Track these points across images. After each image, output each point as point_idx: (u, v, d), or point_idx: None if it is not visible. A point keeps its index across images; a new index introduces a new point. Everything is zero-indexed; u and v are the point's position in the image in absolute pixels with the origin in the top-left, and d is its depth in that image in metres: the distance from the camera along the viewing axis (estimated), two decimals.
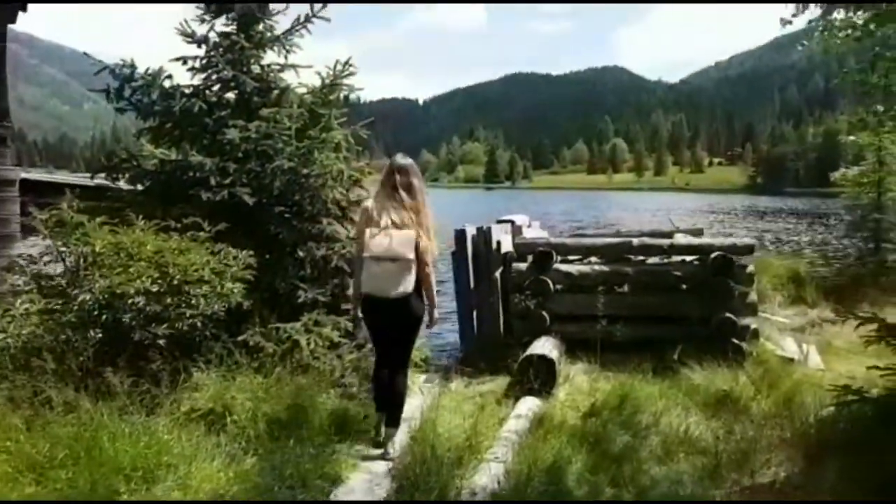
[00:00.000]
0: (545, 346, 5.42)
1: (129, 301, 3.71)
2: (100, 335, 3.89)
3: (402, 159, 3.73)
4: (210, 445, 3.60)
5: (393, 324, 3.69)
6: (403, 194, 3.57)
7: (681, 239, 6.67)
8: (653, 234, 9.77)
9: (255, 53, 4.82)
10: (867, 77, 3.93)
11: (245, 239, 4.41)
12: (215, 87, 4.91)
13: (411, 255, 3.49)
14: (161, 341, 3.86)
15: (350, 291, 4.39)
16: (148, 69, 4.76)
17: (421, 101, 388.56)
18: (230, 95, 4.91)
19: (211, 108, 4.71)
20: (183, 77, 4.93)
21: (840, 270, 10.00)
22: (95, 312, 3.75)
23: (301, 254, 4.70)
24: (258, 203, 4.45)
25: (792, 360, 5.82)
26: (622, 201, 66.63)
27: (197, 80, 4.93)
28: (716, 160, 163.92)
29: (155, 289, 3.81)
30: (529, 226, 8.12)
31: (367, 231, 3.56)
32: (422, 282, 3.61)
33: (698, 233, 9.51)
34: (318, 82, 4.97)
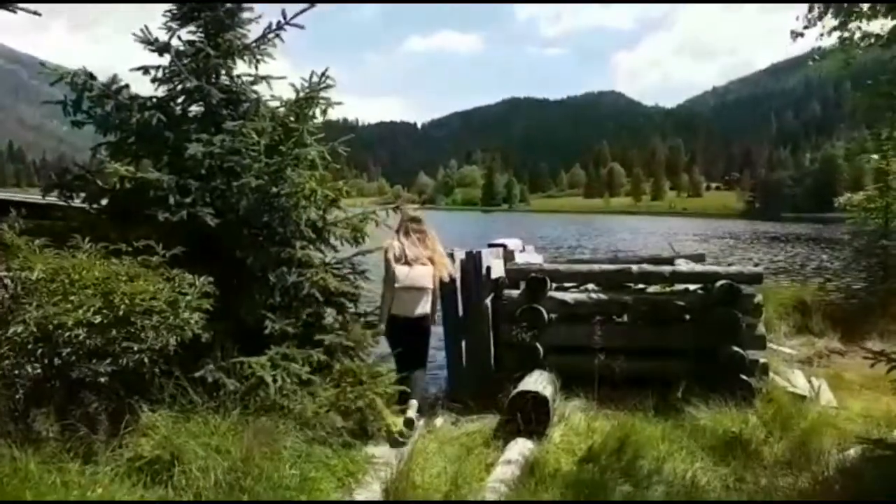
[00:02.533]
0: (538, 381, 4.99)
1: (68, 334, 3.29)
2: (38, 371, 3.47)
3: (413, 212, 5.06)
4: (154, 498, 3.18)
5: (415, 337, 4.88)
6: (417, 237, 4.91)
7: (683, 266, 6.27)
8: (653, 261, 9.37)
9: (222, 63, 4.46)
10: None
11: (207, 264, 4.00)
12: (179, 99, 4.55)
13: (430, 285, 4.89)
14: (103, 379, 3.44)
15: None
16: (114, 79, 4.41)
17: (419, 125, 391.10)
18: (196, 108, 4.54)
19: (173, 122, 4.34)
20: (148, 89, 4.58)
21: (847, 299, 9.58)
22: (29, 346, 3.33)
23: (271, 280, 4.30)
24: (222, 224, 4.06)
25: (804, 397, 5.39)
26: (620, 225, 66.39)
27: (161, 91, 4.57)
28: (713, 185, 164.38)
29: (98, 320, 3.40)
30: (523, 250, 7.72)
31: (397, 267, 4.74)
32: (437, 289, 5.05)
33: (700, 258, 9.12)
34: (293, 95, 4.62)
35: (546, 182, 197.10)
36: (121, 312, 3.41)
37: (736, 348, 5.18)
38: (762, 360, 5.32)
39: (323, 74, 4.60)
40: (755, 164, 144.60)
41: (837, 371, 6.94)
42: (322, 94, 4.61)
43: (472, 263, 5.86)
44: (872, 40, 4.27)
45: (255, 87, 4.73)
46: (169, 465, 3.33)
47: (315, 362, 4.18)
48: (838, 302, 9.55)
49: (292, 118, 4.47)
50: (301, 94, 4.55)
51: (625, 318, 5.85)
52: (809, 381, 6.30)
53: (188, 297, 3.58)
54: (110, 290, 3.44)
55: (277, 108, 4.64)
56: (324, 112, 4.67)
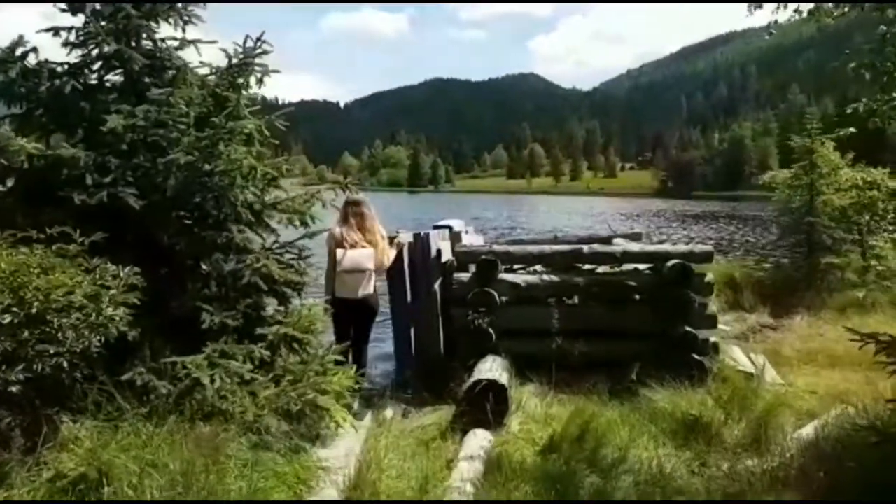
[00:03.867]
0: (493, 368, 4.80)
1: None
2: None
3: (354, 195, 4.96)
4: None
5: (359, 316, 4.99)
6: (356, 220, 4.95)
7: (633, 246, 6.22)
8: (593, 240, 9.41)
9: (145, 24, 3.92)
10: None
11: (132, 252, 3.53)
12: (96, 66, 3.97)
13: (371, 267, 4.91)
14: (14, 388, 2.94)
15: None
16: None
17: (342, 104, 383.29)
18: (115, 77, 3.98)
19: (88, 91, 3.78)
20: (60, 55, 3.97)
21: (775, 274, 9.97)
22: None
23: (205, 268, 3.85)
24: (148, 206, 3.57)
25: (751, 374, 5.47)
26: (546, 205, 67.69)
27: (75, 57, 3.97)
28: (628, 165, 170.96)
29: (7, 319, 2.89)
30: (466, 231, 7.51)
31: (337, 251, 4.86)
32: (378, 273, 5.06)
33: (637, 237, 9.20)
34: (224, 63, 4.14)
35: (470, 163, 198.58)
36: (34, 310, 2.91)
37: (688, 328, 5.18)
38: (713, 340, 5.35)
39: (259, 39, 4.14)
40: (667, 145, 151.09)
41: (773, 346, 7.16)
42: (258, 60, 4.15)
43: (419, 246, 5.58)
44: (846, 8, 4.21)
45: (181, 54, 4.21)
46: (96, 483, 2.90)
47: (257, 359, 3.79)
48: (766, 278, 9.91)
49: (225, 86, 4.00)
50: (235, 61, 4.08)
51: (575, 299, 5.75)
52: (749, 358, 6.44)
53: (112, 291, 3.10)
54: (20, 284, 2.93)
55: (207, 76, 4.15)
56: (260, 81, 4.22)
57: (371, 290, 4.93)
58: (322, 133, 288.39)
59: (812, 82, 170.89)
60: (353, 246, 4.86)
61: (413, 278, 5.55)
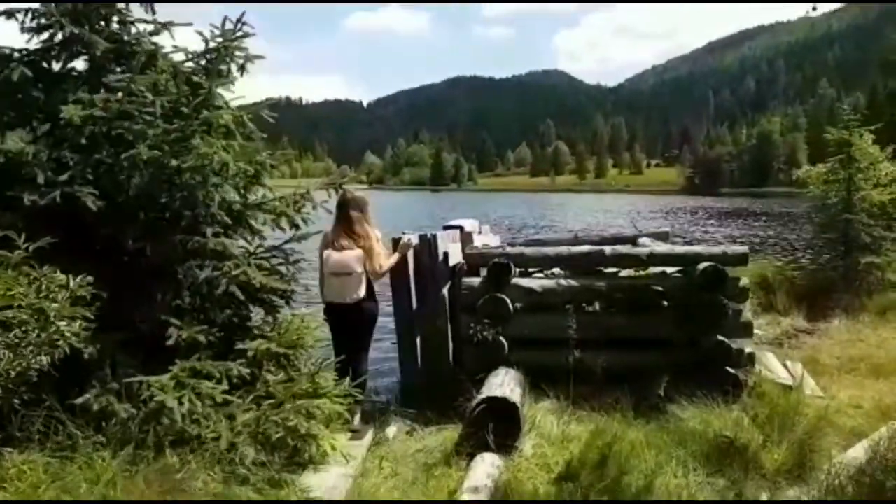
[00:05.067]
0: (505, 383, 4.33)
1: None
2: None
3: (347, 194, 4.50)
4: None
5: (352, 323, 4.49)
6: (345, 223, 4.43)
7: (660, 247, 5.69)
8: (616, 240, 8.87)
9: (111, 6, 3.54)
10: None
11: (92, 258, 3.15)
12: (60, 52, 3.60)
13: (359, 269, 4.38)
14: None
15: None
16: None
17: (365, 103, 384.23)
18: (80, 65, 3.61)
19: (47, 80, 3.42)
20: (18, 41, 3.62)
21: (810, 274, 9.31)
22: None
23: (180, 277, 3.47)
24: (110, 207, 3.19)
25: (790, 387, 4.93)
26: (569, 202, 66.76)
27: (36, 43, 3.61)
28: (654, 162, 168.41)
29: None
30: (480, 231, 7.04)
31: (325, 253, 4.39)
32: (374, 280, 4.58)
33: (664, 237, 8.65)
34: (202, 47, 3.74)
35: (493, 161, 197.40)
36: None
37: (721, 338, 4.65)
38: (748, 350, 4.81)
39: (239, 21, 3.73)
40: (694, 141, 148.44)
41: (810, 354, 6.58)
42: (239, 44, 3.75)
43: (426, 248, 5.13)
44: None
45: (155, 39, 3.82)
46: None
47: (235, 377, 3.38)
48: (801, 278, 9.27)
49: (200, 73, 3.60)
50: (211, 45, 3.67)
51: (596, 306, 5.25)
52: (785, 366, 5.90)
53: (55, 305, 2.72)
54: None
55: (184, 62, 3.76)
56: (242, 68, 3.82)
57: (362, 294, 4.41)
58: (346, 132, 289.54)
59: (841, 76, 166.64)
60: (341, 248, 4.41)
61: (419, 283, 5.11)
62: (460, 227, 6.00)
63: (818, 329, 7.82)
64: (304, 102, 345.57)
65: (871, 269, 8.71)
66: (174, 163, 3.24)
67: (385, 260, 4.60)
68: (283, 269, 3.94)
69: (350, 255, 4.37)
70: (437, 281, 5.09)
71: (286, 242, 3.89)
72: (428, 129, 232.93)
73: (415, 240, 5.07)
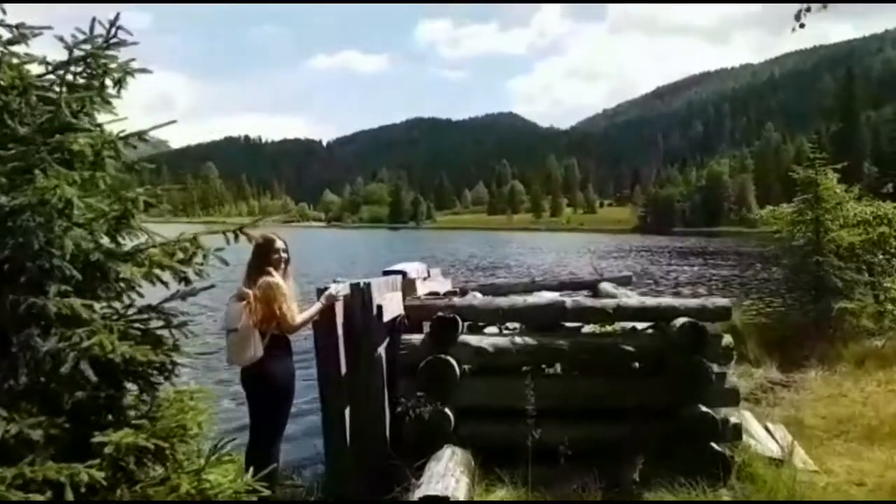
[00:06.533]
0: (448, 471, 3.53)
1: None
2: None
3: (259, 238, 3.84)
4: None
5: (248, 393, 3.86)
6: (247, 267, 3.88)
7: (627, 298, 5.03)
8: (574, 284, 8.28)
9: None
10: None
11: None
12: None
13: (245, 323, 3.66)
14: None
15: None
16: None
17: (325, 142, 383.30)
18: None
19: None
20: None
21: (781, 320, 8.86)
22: None
23: (14, 349, 2.60)
24: None
25: (780, 461, 4.28)
26: (528, 240, 67.01)
27: None
28: (606, 202, 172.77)
29: None
30: (427, 277, 6.30)
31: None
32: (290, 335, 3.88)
33: (626, 281, 8.11)
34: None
35: (451, 200, 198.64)
36: None
37: (704, 408, 3.98)
38: (734, 420, 4.14)
39: (114, 24, 2.96)
40: (645, 182, 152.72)
41: (792, 413, 5.99)
42: (114, 53, 2.97)
43: (359, 299, 4.34)
44: None
45: (9, 47, 3.01)
46: None
47: (84, 485, 2.51)
48: (771, 325, 8.80)
49: (56, 86, 2.81)
50: (75, 54, 2.89)
51: (557, 368, 4.54)
52: (768, 429, 5.27)
53: None
54: None
55: (43, 75, 2.95)
56: (118, 83, 3.03)
57: (251, 355, 3.69)
58: (305, 171, 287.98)
59: (785, 120, 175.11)
60: (236, 299, 3.77)
61: (349, 342, 4.30)
62: (402, 273, 5.25)
63: (794, 381, 7.29)
64: (263, 141, 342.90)
65: (844, 314, 8.29)
66: (2, 199, 2.41)
67: (298, 313, 3.85)
68: (165, 333, 3.09)
69: (234, 309, 3.70)
70: (372, 339, 4.30)
71: (167, 301, 3.05)
72: (387, 168, 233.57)
73: (344, 289, 4.29)
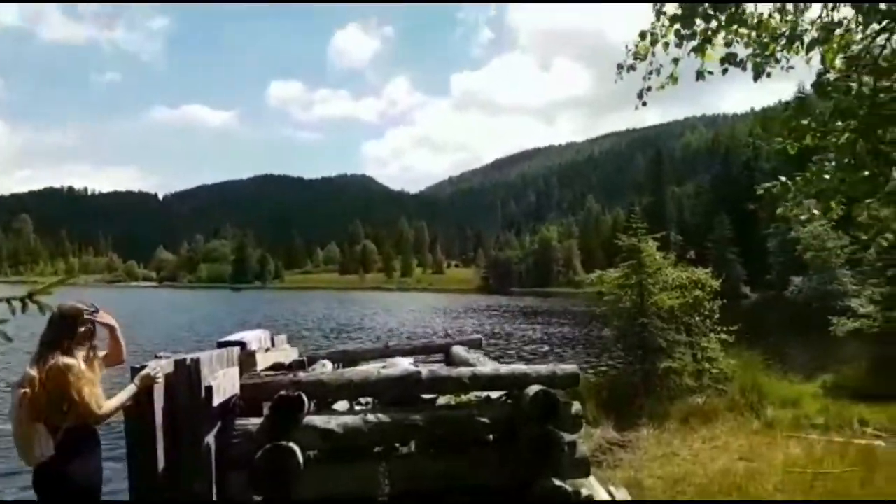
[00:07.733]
0: None
1: None
2: None
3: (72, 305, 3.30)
4: None
5: (40, 497, 3.15)
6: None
7: (482, 367, 4.86)
8: (428, 349, 8.12)
9: None
10: None
11: None
12: None
13: (24, 416, 3.08)
14: None
15: None
16: None
17: (161, 196, 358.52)
18: None
19: None
20: None
21: (613, 380, 9.33)
22: None
23: None
24: None
25: None
26: (378, 301, 66.59)
27: None
28: (453, 262, 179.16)
29: None
30: (270, 347, 5.78)
31: None
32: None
33: (476, 344, 8.10)
34: None
35: (302, 258, 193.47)
36: None
37: (557, 481, 3.88)
38: (585, 493, 4.09)
39: None
40: (487, 245, 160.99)
41: (631, 474, 6.17)
42: None
43: (184, 379, 3.77)
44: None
45: None
46: None
47: None
48: (605, 386, 9.23)
49: None
50: None
51: (412, 446, 4.24)
52: (610, 493, 5.33)
53: None
54: None
55: None
56: None
57: (38, 454, 3.07)
58: (137, 227, 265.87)
59: (604, 193, 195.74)
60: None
61: (169, 430, 3.68)
62: (241, 344, 4.73)
63: (630, 441, 7.59)
64: (90, 193, 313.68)
65: (668, 373, 8.91)
66: None
67: (106, 399, 3.25)
68: None
69: (16, 396, 3.12)
70: (198, 425, 3.72)
71: None
72: (232, 224, 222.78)
73: (167, 367, 3.72)
